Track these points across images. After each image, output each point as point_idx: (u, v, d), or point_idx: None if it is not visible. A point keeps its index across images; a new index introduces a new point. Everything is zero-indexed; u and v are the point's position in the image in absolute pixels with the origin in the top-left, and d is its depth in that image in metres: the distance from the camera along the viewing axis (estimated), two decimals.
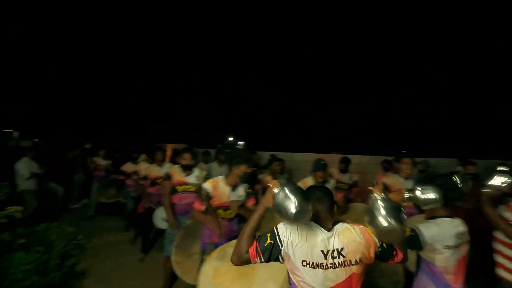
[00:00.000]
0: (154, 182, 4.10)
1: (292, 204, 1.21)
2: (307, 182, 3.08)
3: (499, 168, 2.06)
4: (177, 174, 3.14)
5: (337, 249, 1.25)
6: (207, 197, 2.38)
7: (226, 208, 2.44)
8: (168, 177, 3.11)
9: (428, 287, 1.69)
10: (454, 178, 1.81)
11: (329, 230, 1.30)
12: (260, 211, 1.37)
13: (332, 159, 7.61)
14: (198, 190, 3.12)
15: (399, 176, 3.16)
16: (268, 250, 1.26)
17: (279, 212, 1.24)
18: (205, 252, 2.38)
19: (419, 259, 1.74)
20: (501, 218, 1.98)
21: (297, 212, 1.20)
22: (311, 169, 3.12)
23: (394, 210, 1.23)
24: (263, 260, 1.27)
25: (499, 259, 2.10)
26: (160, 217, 3.63)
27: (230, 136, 30.09)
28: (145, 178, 4.35)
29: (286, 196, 1.24)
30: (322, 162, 3.06)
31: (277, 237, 1.27)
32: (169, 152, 8.76)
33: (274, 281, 1.96)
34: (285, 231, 1.28)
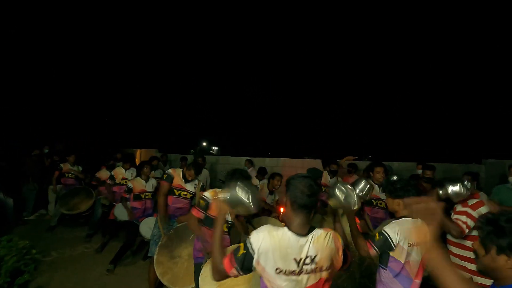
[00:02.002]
0: (138, 196, 3.91)
1: (241, 192, 1.41)
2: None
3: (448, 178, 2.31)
4: (179, 178, 3.21)
5: (310, 256, 1.24)
6: (206, 206, 2.34)
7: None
8: (169, 178, 3.17)
9: (392, 283, 1.77)
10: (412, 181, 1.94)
11: (304, 236, 1.26)
12: (220, 221, 1.44)
13: (304, 164, 7.84)
14: (193, 198, 3.27)
15: (373, 183, 3.30)
16: (241, 260, 1.24)
17: (237, 204, 1.43)
18: (200, 267, 2.26)
19: (383, 257, 1.79)
20: (448, 220, 2.23)
21: (249, 195, 1.41)
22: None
23: (350, 190, 1.64)
24: (240, 271, 1.25)
25: (452, 258, 2.32)
26: (148, 227, 3.55)
27: (203, 141, 29.71)
28: (118, 184, 4.33)
29: (235, 191, 1.43)
30: (318, 171, 3.07)
31: (249, 246, 1.24)
32: (138, 157, 8.41)
33: None
34: (257, 240, 1.24)
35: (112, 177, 4.60)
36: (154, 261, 2.64)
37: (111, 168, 4.96)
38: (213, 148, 29.77)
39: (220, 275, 1.30)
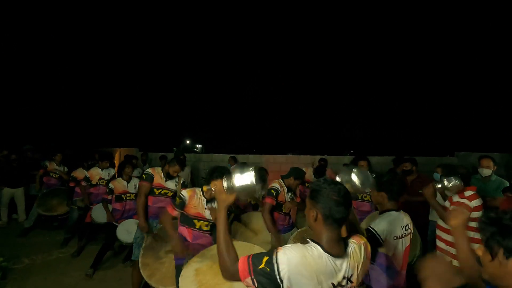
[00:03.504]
0: (119, 197, 3.73)
1: (248, 178, 1.22)
2: (281, 183, 3.10)
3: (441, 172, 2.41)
4: (159, 177, 3.15)
5: (347, 277, 1.10)
6: (181, 204, 2.36)
7: (203, 219, 2.43)
8: (149, 178, 3.09)
9: (379, 276, 1.80)
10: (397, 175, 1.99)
11: (341, 256, 1.09)
12: (222, 212, 1.23)
13: (288, 160, 7.89)
14: (174, 196, 3.19)
15: None
16: (260, 275, 1.03)
17: (245, 191, 1.24)
18: (181, 269, 2.22)
19: (371, 253, 1.85)
20: (442, 207, 2.33)
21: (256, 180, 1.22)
22: (292, 175, 3.09)
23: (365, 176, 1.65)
24: (255, 284, 1.04)
25: (439, 243, 2.43)
26: (125, 230, 3.41)
27: (187, 139, 29.21)
28: (95, 185, 4.17)
29: (238, 178, 1.23)
30: (303, 172, 3.16)
31: (275, 267, 1.01)
32: (117, 157, 8.10)
33: None
34: (286, 261, 1.01)
35: (87, 179, 4.36)
36: (139, 264, 2.54)
37: (90, 168, 4.66)
38: (197, 146, 29.35)
39: (231, 277, 1.10)
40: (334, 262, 1.06)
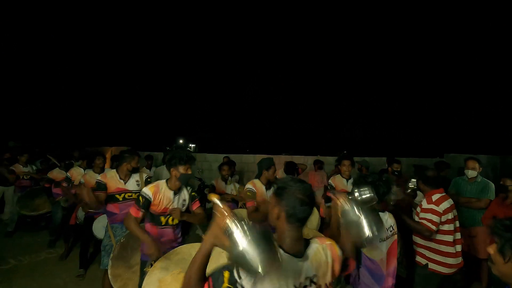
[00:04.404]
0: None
1: (258, 256, 0.85)
2: (256, 184, 2.88)
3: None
4: (114, 181, 2.83)
5: (309, 277, 1.07)
6: (145, 204, 2.16)
7: (169, 214, 2.29)
8: (101, 186, 2.76)
9: (365, 279, 1.83)
10: (384, 175, 1.99)
11: (301, 256, 1.07)
12: (206, 249, 1.02)
13: (281, 160, 7.91)
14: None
15: (342, 177, 3.38)
16: None
17: (241, 265, 0.89)
18: (146, 265, 2.18)
19: (357, 256, 1.84)
20: (409, 218, 2.35)
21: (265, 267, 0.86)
22: (262, 168, 2.86)
23: (374, 219, 1.26)
24: None
25: (414, 247, 2.46)
26: (102, 226, 3.26)
27: (180, 139, 29.00)
28: (78, 185, 3.83)
29: (250, 243, 0.86)
30: (271, 158, 2.94)
31: (238, 281, 0.95)
32: (108, 156, 7.98)
33: None
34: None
35: (68, 179, 4.08)
36: (110, 276, 2.35)
37: (68, 168, 4.46)
38: (190, 145, 29.14)
39: None
40: (295, 263, 1.04)
